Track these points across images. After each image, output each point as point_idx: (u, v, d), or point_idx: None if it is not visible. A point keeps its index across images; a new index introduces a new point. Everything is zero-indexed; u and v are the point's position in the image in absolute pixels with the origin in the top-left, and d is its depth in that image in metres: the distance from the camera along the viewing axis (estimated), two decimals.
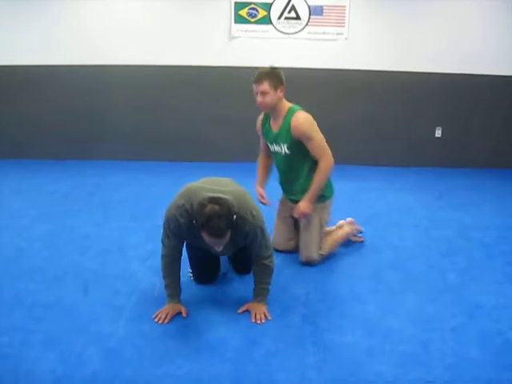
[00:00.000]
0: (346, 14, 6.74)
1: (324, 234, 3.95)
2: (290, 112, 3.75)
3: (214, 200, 2.83)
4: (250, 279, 3.36)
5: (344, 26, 6.79)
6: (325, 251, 3.94)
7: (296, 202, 3.84)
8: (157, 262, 3.84)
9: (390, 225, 4.87)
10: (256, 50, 6.87)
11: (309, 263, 3.89)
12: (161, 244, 3.26)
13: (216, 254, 3.36)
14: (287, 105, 3.81)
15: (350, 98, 7.09)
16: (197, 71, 6.88)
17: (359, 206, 5.40)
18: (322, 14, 6.75)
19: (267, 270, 3.26)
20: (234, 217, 2.87)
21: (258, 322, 3.12)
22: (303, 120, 3.69)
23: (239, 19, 6.78)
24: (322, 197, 3.83)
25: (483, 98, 7.13)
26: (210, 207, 2.78)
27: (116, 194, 5.78)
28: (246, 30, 6.83)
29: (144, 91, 7.00)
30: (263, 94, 3.64)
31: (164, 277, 3.24)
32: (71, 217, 4.92)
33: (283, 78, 3.76)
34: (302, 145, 3.69)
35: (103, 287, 3.54)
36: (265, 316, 3.17)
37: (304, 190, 3.76)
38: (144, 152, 7.21)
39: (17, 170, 6.75)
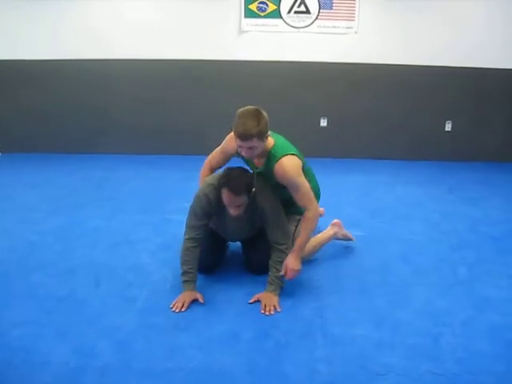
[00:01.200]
0: (356, 8, 6.73)
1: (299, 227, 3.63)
2: (273, 157, 3.29)
3: (239, 167, 3.21)
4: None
5: (354, 20, 6.78)
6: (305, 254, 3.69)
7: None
8: (167, 255, 3.93)
9: (399, 218, 4.87)
10: (266, 44, 6.87)
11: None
12: (184, 229, 3.36)
13: (233, 237, 3.57)
14: (269, 143, 3.31)
15: (359, 92, 7.08)
16: (206, 65, 6.88)
17: (368, 200, 5.41)
18: (331, 8, 6.74)
19: (283, 256, 3.32)
20: (254, 189, 3.17)
21: (267, 313, 3.14)
22: (289, 169, 3.24)
23: (249, 13, 6.78)
24: (294, 211, 3.56)
25: (493, 92, 7.10)
26: (233, 170, 3.16)
27: (124, 187, 5.81)
28: (256, 24, 6.82)
29: (152, 85, 7.01)
30: (251, 148, 3.16)
31: (182, 263, 3.32)
32: (81, 210, 4.95)
33: (267, 121, 3.16)
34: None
35: (114, 280, 3.56)
36: (274, 308, 3.19)
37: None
38: (152, 146, 7.23)
39: (27, 164, 6.79)
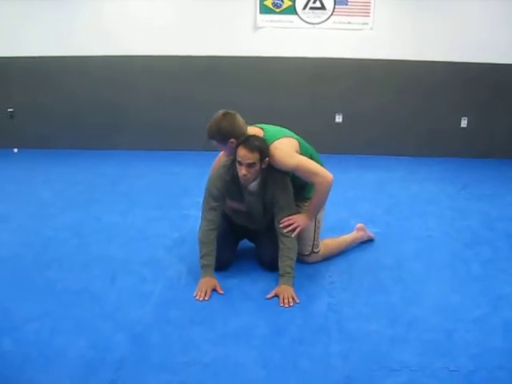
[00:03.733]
0: (371, 4, 6.70)
1: (319, 231, 3.73)
2: None
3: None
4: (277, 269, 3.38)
5: (369, 16, 6.76)
6: (322, 253, 3.78)
7: None
8: (182, 250, 3.95)
9: (413, 215, 4.85)
10: (281, 40, 6.87)
11: (303, 259, 3.72)
12: (200, 214, 3.46)
13: (246, 222, 3.59)
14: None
15: (374, 88, 7.06)
16: (222, 61, 6.89)
17: (383, 196, 5.40)
18: (347, 4, 6.72)
19: (291, 244, 3.36)
20: (267, 159, 3.28)
21: (286, 305, 3.17)
22: (279, 155, 3.32)
23: (264, 9, 6.77)
24: (304, 196, 3.61)
25: (510, 88, 7.04)
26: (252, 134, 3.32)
27: (140, 183, 5.84)
28: (271, 20, 6.82)
29: (168, 82, 7.03)
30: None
31: (201, 246, 3.40)
32: (97, 206, 4.99)
33: (232, 124, 3.35)
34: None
35: (130, 275, 3.59)
36: (293, 299, 3.21)
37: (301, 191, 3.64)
38: (167, 142, 7.25)
39: (43, 160, 6.84)
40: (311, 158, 3.49)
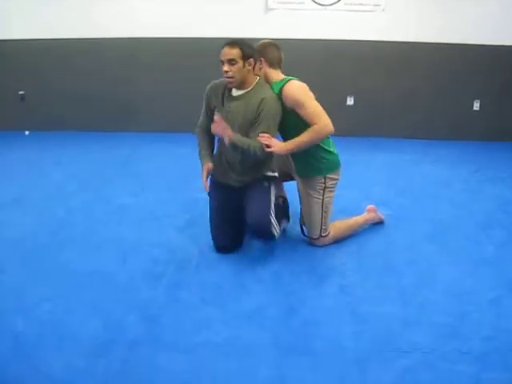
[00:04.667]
0: None
1: (327, 215, 3.71)
2: (279, 83, 3.56)
3: None
4: (288, 250, 3.38)
5: None
6: (332, 235, 3.77)
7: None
8: (193, 231, 3.97)
9: (426, 197, 4.82)
10: (292, 22, 6.80)
11: (312, 243, 3.76)
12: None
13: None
14: (277, 77, 3.66)
15: (386, 70, 6.98)
16: None
17: (395, 178, 5.36)
18: None
19: (255, 144, 3.34)
20: (251, 60, 3.41)
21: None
22: (296, 87, 3.52)
23: None
24: (318, 169, 3.64)
25: None
26: None
27: (151, 164, 5.82)
28: (283, 2, 6.75)
29: (178, 63, 7.00)
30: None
31: (199, 148, 3.76)
32: (108, 187, 4.99)
33: (267, 52, 3.61)
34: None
35: (141, 256, 3.61)
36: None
37: (306, 165, 3.68)
38: (178, 124, 7.22)
39: (54, 142, 6.83)
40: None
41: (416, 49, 6.85)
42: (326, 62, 6.89)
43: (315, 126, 3.38)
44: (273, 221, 3.46)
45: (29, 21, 6.94)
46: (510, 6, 6.67)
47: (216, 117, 3.37)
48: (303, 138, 3.42)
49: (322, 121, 3.40)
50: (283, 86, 3.47)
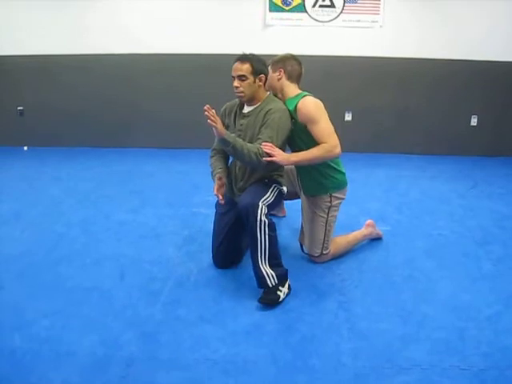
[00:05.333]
0: (381, 2, 6.67)
1: (330, 234, 3.71)
2: (295, 98, 3.54)
3: None
4: (287, 266, 3.36)
5: (379, 14, 6.73)
6: (332, 252, 3.76)
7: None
8: (192, 248, 3.97)
9: (424, 213, 4.83)
10: (291, 38, 6.84)
11: (312, 260, 3.77)
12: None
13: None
14: (292, 91, 3.66)
15: (384, 86, 7.03)
16: (231, 60, 6.84)
17: (393, 194, 5.38)
18: (356, 2, 6.69)
19: (253, 149, 3.23)
20: (262, 76, 3.43)
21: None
22: (312, 104, 3.48)
23: (274, 7, 6.76)
24: (326, 188, 3.63)
25: None
26: None
27: (150, 181, 5.84)
28: (281, 18, 6.80)
29: (178, 80, 7.04)
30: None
31: (212, 169, 3.60)
32: (108, 203, 5.00)
33: (283, 68, 3.63)
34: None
35: (140, 272, 3.60)
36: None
37: (313, 183, 3.65)
38: (177, 140, 7.25)
39: (53, 158, 6.85)
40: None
41: (414, 65, 6.90)
42: (323, 77, 6.92)
43: (325, 145, 3.36)
44: (268, 271, 3.23)
45: (28, 36, 6.99)
46: (507, 23, 6.71)
47: (206, 106, 3.16)
48: (309, 154, 3.39)
49: (332, 140, 3.38)
50: (299, 101, 3.45)
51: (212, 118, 3.12)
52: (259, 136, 3.32)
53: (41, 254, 3.89)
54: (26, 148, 7.29)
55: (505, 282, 3.52)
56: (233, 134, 3.30)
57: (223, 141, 3.22)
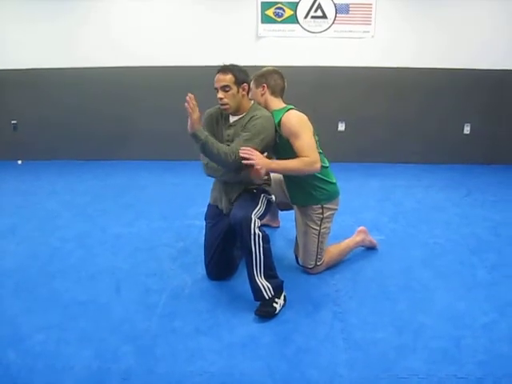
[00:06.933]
0: (373, 12, 6.72)
1: (323, 245, 3.71)
2: (280, 111, 3.53)
3: None
4: (282, 277, 3.36)
5: (370, 24, 6.77)
6: (326, 262, 3.76)
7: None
8: (187, 260, 3.99)
9: (419, 222, 4.84)
10: (283, 49, 6.88)
11: (306, 271, 3.76)
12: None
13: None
14: (278, 104, 3.65)
15: (377, 96, 7.06)
16: None
17: (388, 204, 5.39)
18: (348, 13, 6.73)
19: (223, 148, 3.25)
20: (245, 84, 3.40)
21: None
22: (295, 118, 3.47)
23: (266, 19, 6.80)
24: (316, 199, 3.62)
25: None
26: None
27: (144, 193, 5.85)
28: (273, 30, 6.84)
29: (172, 92, 7.03)
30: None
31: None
32: (103, 217, 5.00)
33: (265, 81, 3.61)
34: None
35: (135, 285, 3.60)
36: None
37: (303, 195, 3.65)
38: (171, 152, 7.26)
39: (48, 171, 6.85)
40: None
41: (406, 74, 6.93)
42: (316, 88, 6.96)
43: (305, 158, 3.34)
44: (264, 284, 3.22)
45: (21, 50, 7.01)
46: (496, 30, 6.76)
47: (188, 97, 3.16)
48: (289, 164, 3.37)
49: (313, 156, 3.36)
50: (283, 115, 3.44)
51: (192, 105, 3.15)
52: (239, 138, 3.33)
53: (36, 267, 3.89)
54: (20, 162, 7.28)
55: (500, 289, 3.53)
56: (206, 133, 3.27)
57: (194, 136, 3.23)
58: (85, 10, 6.91)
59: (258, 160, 3.21)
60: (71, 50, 7.00)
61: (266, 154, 3.40)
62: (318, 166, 3.38)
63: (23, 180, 6.47)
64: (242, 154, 3.20)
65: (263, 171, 3.25)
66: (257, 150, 3.26)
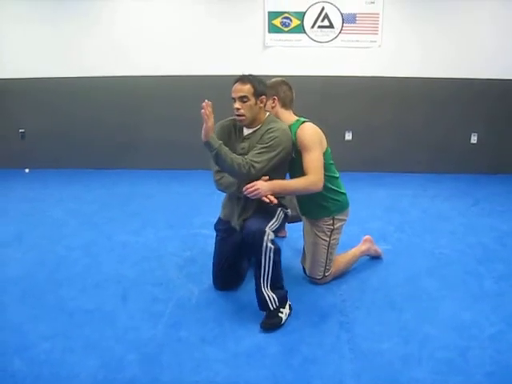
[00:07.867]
0: (380, 22, 6.73)
1: (332, 256, 3.70)
2: (296, 122, 3.51)
3: None
4: (288, 287, 3.36)
5: (377, 34, 6.78)
6: (333, 272, 3.75)
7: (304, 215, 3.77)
8: (193, 269, 3.97)
9: (425, 232, 4.83)
10: (290, 58, 6.90)
11: (314, 282, 3.75)
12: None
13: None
14: (291, 118, 3.61)
15: (384, 105, 7.06)
16: (231, 81, 6.87)
17: (394, 213, 5.38)
18: (355, 22, 6.75)
19: (237, 159, 3.16)
20: (263, 97, 3.31)
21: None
22: (311, 131, 3.42)
23: (273, 29, 6.82)
24: (328, 211, 3.60)
25: None
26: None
27: (151, 202, 5.86)
28: (280, 39, 6.86)
29: (178, 101, 7.07)
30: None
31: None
32: (109, 225, 5.01)
33: (279, 94, 3.56)
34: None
35: (141, 294, 3.60)
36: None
37: (315, 207, 3.61)
38: (177, 161, 7.27)
39: (55, 180, 6.87)
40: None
41: (413, 84, 6.94)
42: (323, 97, 6.97)
43: (310, 177, 3.29)
44: (270, 295, 3.20)
45: (29, 60, 7.05)
46: (502, 40, 6.76)
47: (205, 103, 3.13)
48: (293, 184, 3.37)
49: (317, 174, 3.31)
50: (298, 127, 3.41)
51: (208, 112, 3.08)
52: (253, 151, 3.23)
53: (43, 275, 3.90)
54: (27, 170, 7.31)
55: (507, 300, 3.51)
56: (220, 141, 3.17)
57: (207, 144, 3.14)
58: (89, 21, 6.96)
59: (262, 189, 3.16)
60: (78, 60, 7.04)
61: (267, 177, 3.23)
62: (321, 185, 3.33)
63: (30, 188, 6.50)
64: (245, 193, 3.16)
65: (272, 197, 3.18)
66: (270, 162, 3.20)
